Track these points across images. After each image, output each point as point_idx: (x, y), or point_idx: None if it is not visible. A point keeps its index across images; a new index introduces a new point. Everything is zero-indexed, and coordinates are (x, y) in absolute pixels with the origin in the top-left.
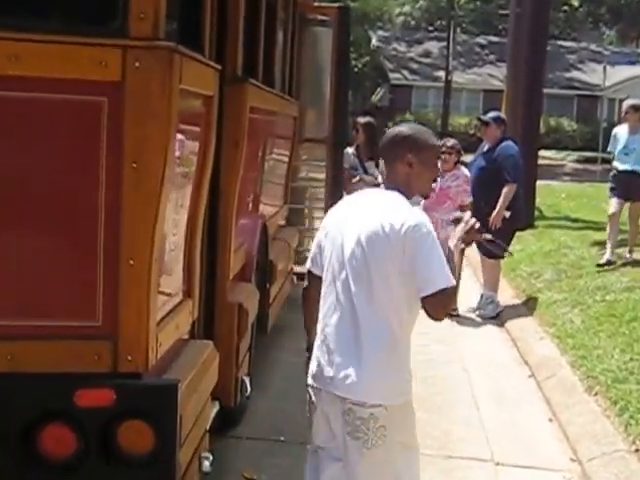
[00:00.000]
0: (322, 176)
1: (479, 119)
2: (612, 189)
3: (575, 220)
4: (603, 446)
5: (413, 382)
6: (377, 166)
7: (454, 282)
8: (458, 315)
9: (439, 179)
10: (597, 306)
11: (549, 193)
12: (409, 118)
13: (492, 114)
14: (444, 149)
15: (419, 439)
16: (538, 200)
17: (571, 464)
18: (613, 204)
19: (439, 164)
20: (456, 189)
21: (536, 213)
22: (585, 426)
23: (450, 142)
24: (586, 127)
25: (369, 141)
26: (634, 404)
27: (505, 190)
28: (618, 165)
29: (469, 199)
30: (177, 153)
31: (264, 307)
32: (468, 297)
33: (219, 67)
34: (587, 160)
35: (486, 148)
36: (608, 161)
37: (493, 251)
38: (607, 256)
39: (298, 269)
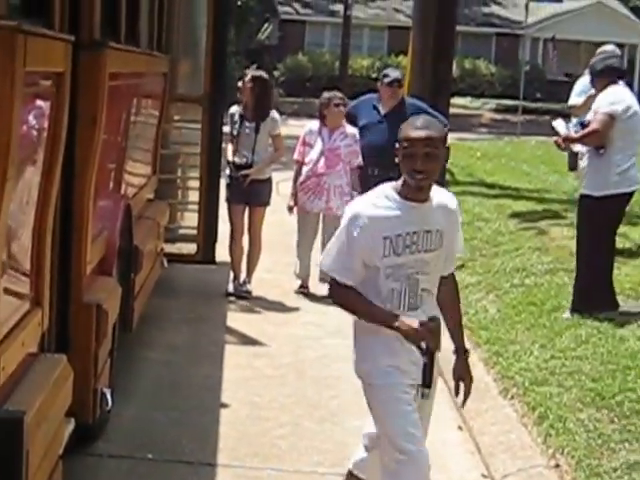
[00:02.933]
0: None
1: (394, 79)
2: None
3: (491, 186)
4: (519, 460)
5: (301, 382)
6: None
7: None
8: (308, 293)
9: (325, 139)
10: (515, 292)
11: (462, 151)
12: (302, 59)
13: (397, 72)
14: (336, 101)
15: (308, 454)
16: (449, 161)
17: None
18: None
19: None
20: (347, 149)
21: (447, 176)
22: (499, 436)
23: (340, 94)
24: (506, 70)
25: (258, 100)
26: (554, 410)
27: None
28: None
29: (358, 161)
30: (22, 144)
31: (128, 301)
32: None
33: (71, 38)
34: (507, 109)
35: (385, 111)
36: (530, 111)
37: None
38: None
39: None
